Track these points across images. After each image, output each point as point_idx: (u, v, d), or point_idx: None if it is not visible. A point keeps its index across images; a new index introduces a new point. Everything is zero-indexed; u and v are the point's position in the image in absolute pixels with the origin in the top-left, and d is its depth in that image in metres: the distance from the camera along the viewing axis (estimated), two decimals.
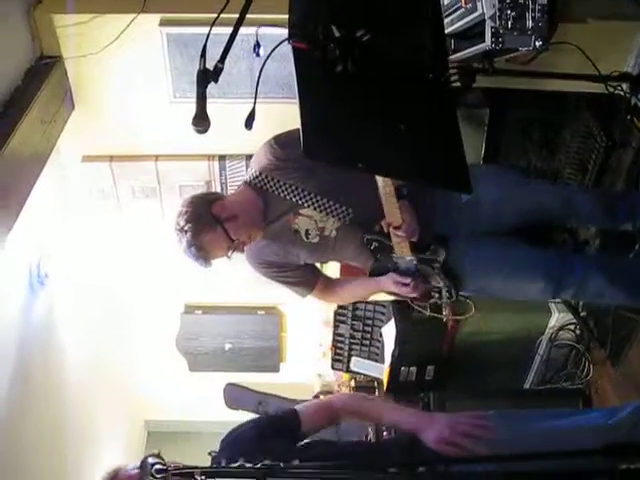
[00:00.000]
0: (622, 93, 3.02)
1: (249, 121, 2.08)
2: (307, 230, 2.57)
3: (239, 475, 1.49)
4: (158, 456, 1.59)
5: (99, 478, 1.89)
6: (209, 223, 2.45)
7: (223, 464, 1.58)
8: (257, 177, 2.59)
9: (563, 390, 3.85)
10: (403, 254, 2.52)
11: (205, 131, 2.13)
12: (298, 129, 2.46)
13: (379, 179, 2.32)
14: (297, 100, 1.65)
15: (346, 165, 1.71)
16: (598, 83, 2.61)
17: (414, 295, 2.62)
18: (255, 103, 2.02)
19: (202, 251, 2.44)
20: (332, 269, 3.95)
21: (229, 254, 2.50)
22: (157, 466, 1.52)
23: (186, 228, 2.44)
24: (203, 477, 1.49)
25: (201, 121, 2.08)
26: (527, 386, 4.15)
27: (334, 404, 2.20)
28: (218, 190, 3.86)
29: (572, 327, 3.84)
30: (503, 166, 2.93)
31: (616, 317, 3.30)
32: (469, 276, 2.63)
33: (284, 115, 3.41)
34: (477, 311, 3.34)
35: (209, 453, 1.95)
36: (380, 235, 2.53)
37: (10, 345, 3.16)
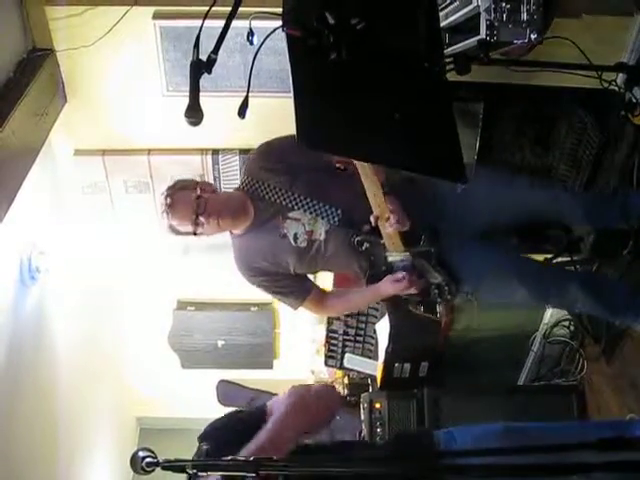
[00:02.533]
0: (616, 88, 3.01)
1: (242, 110, 2.06)
2: (295, 234, 2.56)
3: (231, 468, 1.48)
4: (149, 450, 1.57)
5: None
6: (190, 185, 2.57)
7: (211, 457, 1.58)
8: (246, 182, 2.63)
9: (557, 386, 3.86)
10: (395, 250, 2.49)
11: (198, 123, 2.11)
12: (288, 136, 2.53)
13: (362, 174, 2.32)
14: (291, 89, 1.63)
15: (339, 153, 1.69)
16: (593, 74, 2.61)
17: (412, 291, 2.57)
18: (248, 91, 2.00)
19: (169, 203, 2.50)
20: (325, 280, 3.92)
21: (192, 223, 2.47)
22: (148, 459, 1.51)
23: (171, 184, 2.59)
24: (194, 470, 1.47)
25: (194, 113, 2.06)
26: (521, 382, 4.16)
27: None
28: None
29: (566, 323, 3.85)
30: (497, 167, 2.94)
31: None
32: (461, 272, 2.60)
33: (279, 109, 3.39)
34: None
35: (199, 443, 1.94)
36: (370, 234, 2.51)
37: (0, 339, 3.13)
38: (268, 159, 2.62)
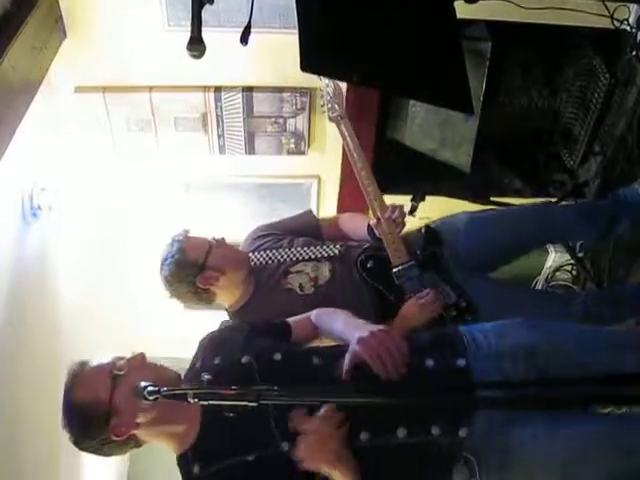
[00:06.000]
0: (627, 28, 2.96)
1: (244, 36, 2.03)
2: (300, 284, 2.60)
3: (232, 397, 1.50)
4: (150, 379, 1.60)
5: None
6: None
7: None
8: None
9: None
10: (400, 259, 2.49)
11: (200, 56, 2.08)
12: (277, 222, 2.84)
13: (358, 175, 2.53)
14: (295, 12, 1.60)
15: (341, 77, 1.68)
16: (604, 12, 2.57)
17: (436, 308, 2.41)
18: (251, 17, 1.96)
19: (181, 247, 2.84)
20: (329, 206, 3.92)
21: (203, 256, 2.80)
22: (149, 388, 1.53)
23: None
24: (196, 400, 1.49)
25: (196, 45, 2.04)
26: None
27: (311, 319, 2.29)
28: (214, 122, 3.79)
29: (569, 268, 3.85)
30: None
31: (613, 257, 3.31)
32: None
33: (281, 46, 3.35)
34: None
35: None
36: (373, 250, 2.58)
37: (1, 278, 3.13)
38: (263, 233, 2.83)
